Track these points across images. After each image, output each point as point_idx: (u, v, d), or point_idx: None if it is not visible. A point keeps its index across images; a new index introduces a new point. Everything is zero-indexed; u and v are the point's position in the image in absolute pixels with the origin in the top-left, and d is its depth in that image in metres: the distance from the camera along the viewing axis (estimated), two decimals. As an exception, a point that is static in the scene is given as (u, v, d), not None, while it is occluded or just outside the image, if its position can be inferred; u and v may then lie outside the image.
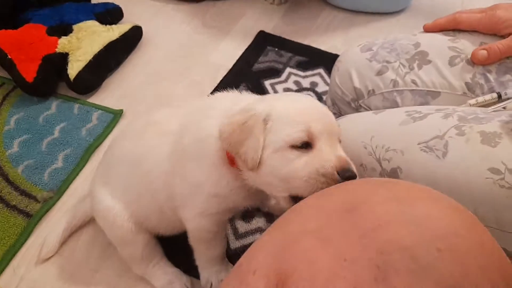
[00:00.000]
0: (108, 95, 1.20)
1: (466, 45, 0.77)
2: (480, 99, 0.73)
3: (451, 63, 0.77)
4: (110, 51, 1.23)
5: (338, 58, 0.89)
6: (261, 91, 1.19)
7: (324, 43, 1.34)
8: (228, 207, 0.67)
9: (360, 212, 0.39)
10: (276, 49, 1.33)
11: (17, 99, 1.17)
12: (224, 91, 0.71)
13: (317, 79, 1.23)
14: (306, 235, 0.39)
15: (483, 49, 0.74)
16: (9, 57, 1.14)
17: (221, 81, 1.23)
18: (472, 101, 0.73)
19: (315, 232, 0.39)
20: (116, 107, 1.16)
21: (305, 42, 1.35)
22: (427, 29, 0.83)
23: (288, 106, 0.58)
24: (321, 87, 1.20)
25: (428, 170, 0.62)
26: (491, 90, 0.75)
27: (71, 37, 1.21)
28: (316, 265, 0.35)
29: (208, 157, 0.63)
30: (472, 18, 0.78)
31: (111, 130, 1.09)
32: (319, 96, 1.18)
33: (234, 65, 1.28)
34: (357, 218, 0.38)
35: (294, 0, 1.50)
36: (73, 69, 1.15)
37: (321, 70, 1.25)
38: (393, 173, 0.65)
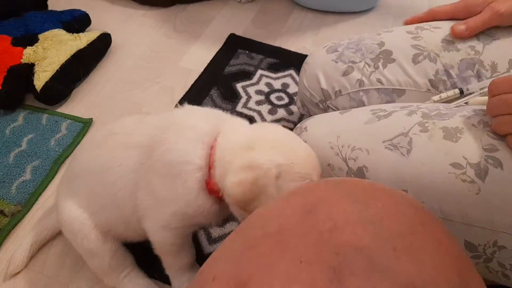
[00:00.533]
0: (77, 104, 1.18)
1: (429, 42, 0.79)
2: (443, 95, 0.74)
3: (415, 60, 0.78)
4: (78, 60, 1.20)
5: (305, 60, 0.90)
6: (233, 94, 1.19)
7: (294, 44, 1.35)
8: (195, 223, 0.67)
9: (318, 213, 0.39)
10: (247, 51, 1.32)
11: (-18, 112, 1.14)
12: (194, 106, 0.72)
13: (288, 80, 1.23)
14: (266, 239, 0.39)
15: (462, 24, 0.76)
16: (-27, 69, 1.12)
17: (192, 85, 1.22)
18: (436, 98, 0.74)
19: (274, 235, 0.39)
20: (86, 116, 1.14)
21: (276, 44, 1.35)
22: (408, 23, 0.85)
23: (292, 159, 0.61)
24: (293, 88, 1.20)
25: (394, 168, 0.63)
26: (454, 86, 0.76)
27: (37, 47, 1.18)
28: (272, 269, 0.35)
29: (184, 181, 0.62)
30: (447, 7, 0.81)
31: (80, 140, 1.07)
32: (291, 97, 1.18)
33: (205, 69, 1.27)
34: (315, 219, 0.38)
35: (264, 2, 1.51)
36: (40, 80, 1.12)
37: (292, 71, 1.25)
38: (359, 172, 0.65)
